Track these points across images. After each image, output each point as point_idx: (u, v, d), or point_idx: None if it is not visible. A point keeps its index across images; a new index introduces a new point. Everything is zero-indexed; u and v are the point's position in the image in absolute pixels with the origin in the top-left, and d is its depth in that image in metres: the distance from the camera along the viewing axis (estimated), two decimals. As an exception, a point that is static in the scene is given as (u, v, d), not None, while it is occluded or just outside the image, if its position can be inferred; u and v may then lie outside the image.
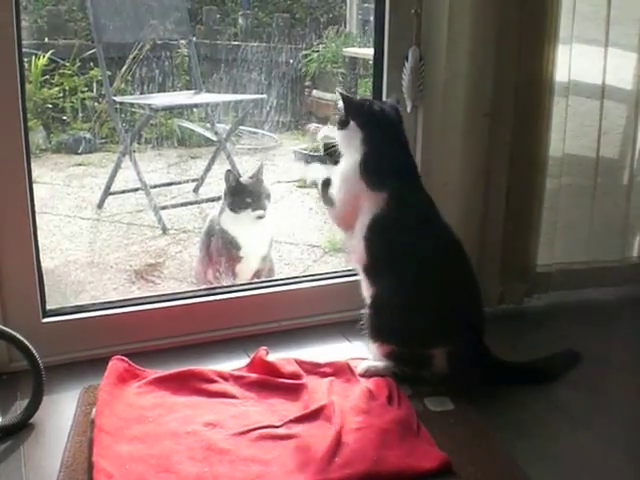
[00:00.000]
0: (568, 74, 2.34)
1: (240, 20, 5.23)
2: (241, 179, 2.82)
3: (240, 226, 2.81)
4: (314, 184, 2.18)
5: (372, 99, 2.24)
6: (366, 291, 2.05)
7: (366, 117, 2.01)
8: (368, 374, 2.00)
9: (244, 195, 2.78)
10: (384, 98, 2.37)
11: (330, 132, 2.14)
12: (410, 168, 2.03)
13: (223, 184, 2.84)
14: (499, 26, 2.21)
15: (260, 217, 2.78)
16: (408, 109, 2.35)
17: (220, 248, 2.82)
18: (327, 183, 2.08)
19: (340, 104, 2.06)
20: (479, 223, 2.36)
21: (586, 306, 2.54)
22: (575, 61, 2.34)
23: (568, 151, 2.42)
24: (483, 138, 2.29)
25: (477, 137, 2.29)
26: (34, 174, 2.09)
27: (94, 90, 4.68)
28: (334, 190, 2.05)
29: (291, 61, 4.96)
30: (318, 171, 2.17)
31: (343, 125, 2.03)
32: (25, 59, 2.03)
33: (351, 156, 2.01)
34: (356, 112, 2.02)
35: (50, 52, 4.61)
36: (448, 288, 1.95)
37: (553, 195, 2.44)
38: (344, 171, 2.02)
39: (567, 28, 2.30)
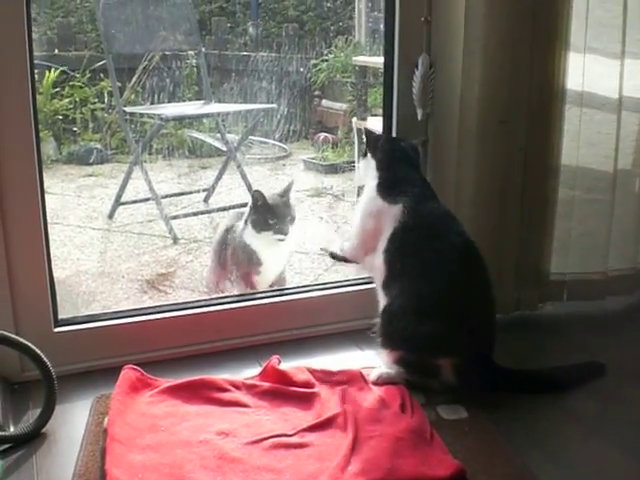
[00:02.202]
0: (581, 82, 2.33)
1: (250, 29, 5.24)
2: (268, 198, 2.74)
3: (262, 244, 2.76)
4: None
5: (391, 136, 2.38)
6: (382, 302, 2.05)
7: (379, 148, 2.17)
8: (381, 381, 1.99)
9: (268, 216, 2.71)
10: (394, 105, 2.39)
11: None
12: (422, 183, 2.10)
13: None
14: (513, 32, 2.20)
15: (280, 240, 2.74)
16: (419, 117, 2.35)
17: (239, 260, 2.78)
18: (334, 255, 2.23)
19: (364, 138, 2.24)
20: (495, 229, 2.34)
21: (600, 313, 2.52)
22: (587, 69, 2.32)
23: (582, 159, 2.40)
24: (498, 145, 2.28)
25: (492, 144, 2.28)
26: (44, 185, 2.08)
27: (104, 101, 4.70)
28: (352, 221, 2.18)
29: (301, 69, 4.97)
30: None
31: (364, 155, 2.20)
32: (36, 71, 2.04)
33: (369, 185, 2.13)
34: (371, 144, 2.18)
35: (61, 65, 4.62)
36: (460, 299, 1.94)
37: (567, 203, 2.42)
38: (364, 198, 2.14)
39: (580, 36, 2.29)
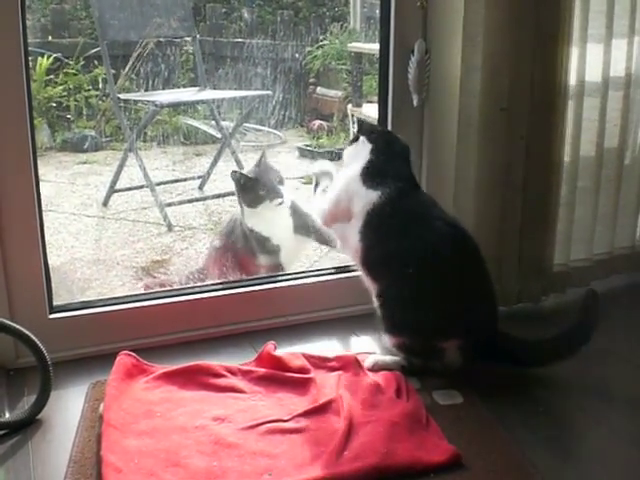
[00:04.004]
0: (580, 72, 2.34)
1: (245, 14, 5.22)
2: (248, 173, 2.74)
3: (265, 220, 2.73)
4: (315, 177, 2.32)
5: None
6: (371, 287, 2.05)
7: (377, 134, 2.16)
8: (376, 368, 2.00)
9: (256, 188, 2.69)
10: (390, 92, 2.38)
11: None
12: (408, 178, 2.08)
13: (233, 185, 2.75)
14: (514, 19, 2.18)
15: (280, 204, 2.70)
16: (415, 103, 2.34)
17: (255, 249, 2.75)
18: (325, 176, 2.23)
19: (356, 127, 2.23)
20: (495, 220, 2.31)
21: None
22: (591, 58, 2.33)
23: (584, 147, 2.40)
24: (499, 133, 2.25)
25: (493, 132, 2.25)
26: (39, 172, 2.08)
27: (99, 88, 4.68)
28: (330, 188, 2.16)
29: (296, 56, 4.96)
30: (324, 166, 2.32)
31: (354, 141, 2.17)
32: (30, 58, 2.03)
33: (353, 166, 2.10)
34: (368, 130, 2.16)
35: (55, 52, 4.60)
36: (460, 281, 1.94)
37: (569, 192, 2.41)
38: (346, 172, 2.13)
39: (584, 24, 2.30)
